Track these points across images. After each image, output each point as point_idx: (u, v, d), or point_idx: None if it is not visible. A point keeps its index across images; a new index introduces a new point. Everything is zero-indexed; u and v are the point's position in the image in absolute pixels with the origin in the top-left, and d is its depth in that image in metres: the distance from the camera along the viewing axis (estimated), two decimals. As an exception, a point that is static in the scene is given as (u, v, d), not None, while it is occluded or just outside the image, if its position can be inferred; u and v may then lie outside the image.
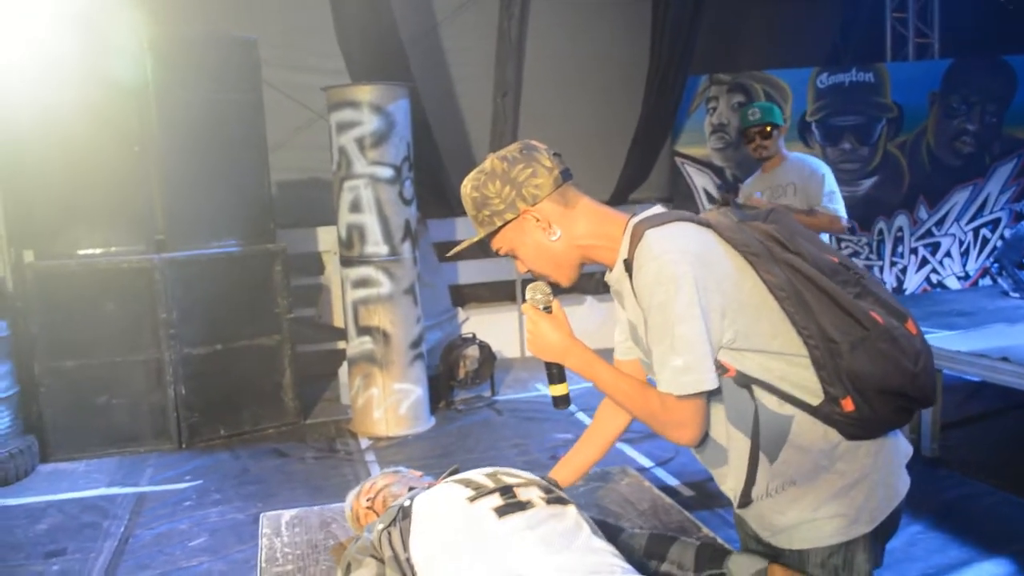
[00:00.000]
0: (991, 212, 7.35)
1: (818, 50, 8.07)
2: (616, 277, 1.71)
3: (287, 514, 2.48)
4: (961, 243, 7.32)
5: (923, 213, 7.28)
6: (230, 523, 4.23)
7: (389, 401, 5.37)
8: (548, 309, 1.76)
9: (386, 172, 5.14)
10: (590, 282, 8.09)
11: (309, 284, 6.91)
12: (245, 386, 5.48)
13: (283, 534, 2.33)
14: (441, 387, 6.00)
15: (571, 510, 1.70)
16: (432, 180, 7.15)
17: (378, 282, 5.24)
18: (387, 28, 6.73)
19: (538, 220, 1.69)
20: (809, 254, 1.59)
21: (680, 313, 1.53)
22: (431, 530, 1.72)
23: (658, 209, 1.68)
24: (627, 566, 1.59)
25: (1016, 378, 3.95)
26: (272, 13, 6.67)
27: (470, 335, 6.18)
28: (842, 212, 3.95)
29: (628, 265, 1.61)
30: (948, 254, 7.25)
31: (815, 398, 1.57)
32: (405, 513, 1.81)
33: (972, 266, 7.16)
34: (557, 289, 1.82)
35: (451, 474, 1.96)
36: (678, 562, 1.75)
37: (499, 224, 1.70)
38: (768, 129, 4.07)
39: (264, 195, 5.53)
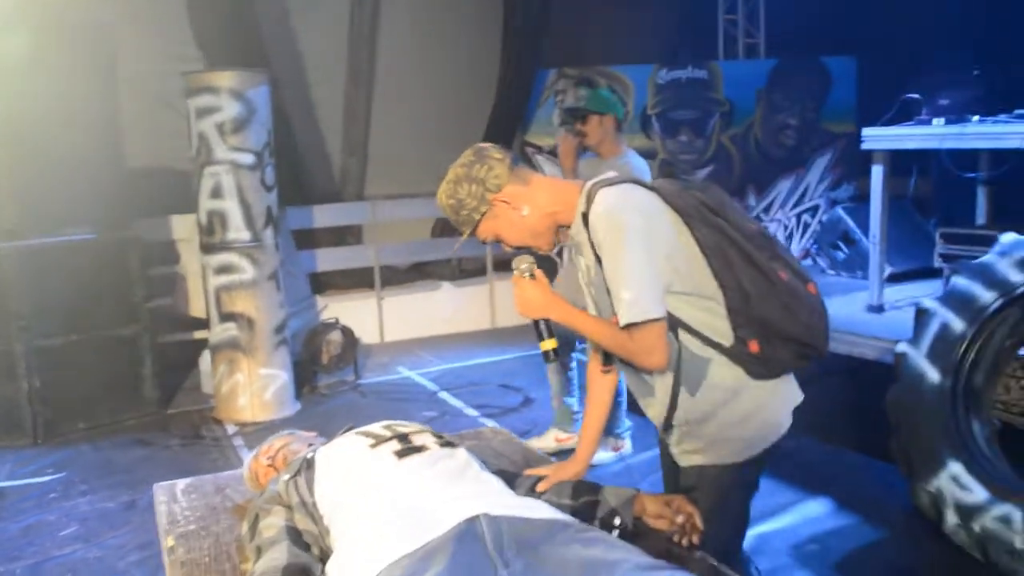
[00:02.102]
0: (811, 199, 8.06)
1: (657, 48, 8.57)
2: (576, 230, 2.00)
3: (180, 483, 2.57)
4: (786, 227, 8.00)
5: (752, 200, 7.91)
6: (100, 512, 4.20)
7: (255, 387, 5.40)
8: (532, 276, 2.00)
9: (247, 158, 5.16)
10: (446, 268, 8.33)
11: (165, 273, 6.79)
12: (104, 377, 5.35)
13: (180, 500, 2.43)
14: (305, 372, 6.06)
15: (461, 451, 1.92)
16: (289, 167, 7.15)
17: (241, 268, 5.26)
18: (243, 14, 6.69)
19: (507, 203, 1.97)
20: (734, 221, 1.94)
21: (628, 254, 1.84)
22: (336, 476, 1.90)
23: (611, 175, 2.01)
24: (512, 492, 1.83)
25: (833, 343, 4.47)
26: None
27: (333, 320, 6.27)
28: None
29: (585, 218, 1.91)
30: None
31: (727, 341, 1.91)
32: (309, 464, 1.98)
33: (796, 248, 7.84)
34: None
35: (346, 431, 2.14)
36: (556, 492, 1.99)
37: (477, 219, 2.01)
38: (585, 114, 4.04)
39: (119, 183, 5.43)
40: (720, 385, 1.97)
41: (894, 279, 5.21)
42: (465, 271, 8.25)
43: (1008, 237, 3.41)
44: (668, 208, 1.93)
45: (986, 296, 3.35)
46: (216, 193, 5.15)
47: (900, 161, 5.05)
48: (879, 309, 4.65)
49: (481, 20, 8.35)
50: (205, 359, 6.05)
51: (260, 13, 7.12)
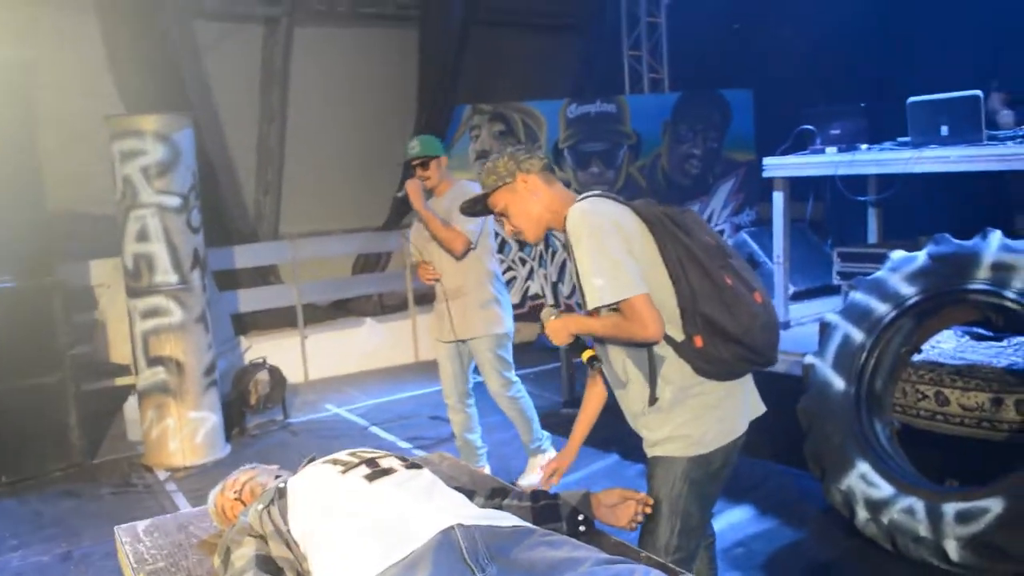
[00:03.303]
0: (716, 225, 8.47)
1: (566, 83, 8.91)
2: (564, 235, 2.32)
3: (140, 524, 2.61)
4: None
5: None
6: (35, 566, 4.14)
7: (185, 431, 5.39)
8: (558, 316, 2.36)
9: (173, 201, 5.20)
10: (368, 304, 8.42)
11: (83, 320, 6.68)
12: (27, 428, 5.24)
13: (143, 540, 2.48)
14: (234, 413, 6.05)
15: (426, 471, 2.08)
16: (209, 207, 7.15)
17: (169, 311, 5.26)
18: (161, 54, 6.71)
19: (526, 184, 2.38)
20: (693, 232, 2.22)
21: (593, 248, 2.15)
22: (309, 502, 2.02)
23: (593, 191, 2.36)
24: (474, 505, 1.99)
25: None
26: (44, 36, 6.39)
27: (260, 360, 6.29)
28: (469, 229, 4.13)
29: (564, 226, 2.26)
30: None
31: (679, 336, 2.18)
32: (281, 494, 2.09)
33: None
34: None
35: (309, 462, 2.26)
36: (518, 498, 2.16)
37: (500, 185, 2.40)
38: (425, 161, 4.25)
39: (40, 228, 5.36)
40: (674, 381, 2.23)
41: (796, 297, 5.57)
42: (387, 306, 8.35)
43: (898, 254, 3.77)
44: (635, 216, 2.25)
45: (881, 308, 3.69)
46: (142, 236, 5.16)
47: (797, 187, 5.45)
48: (785, 325, 4.98)
49: (397, 56, 8.53)
50: (131, 405, 5.99)
51: (173, 53, 7.13)
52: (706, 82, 8.48)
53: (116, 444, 5.97)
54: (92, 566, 4.08)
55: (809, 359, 3.88)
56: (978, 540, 3.13)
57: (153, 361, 5.31)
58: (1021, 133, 4.30)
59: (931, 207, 5.68)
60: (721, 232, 8.44)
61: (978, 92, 4.26)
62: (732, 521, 3.95)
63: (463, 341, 4.37)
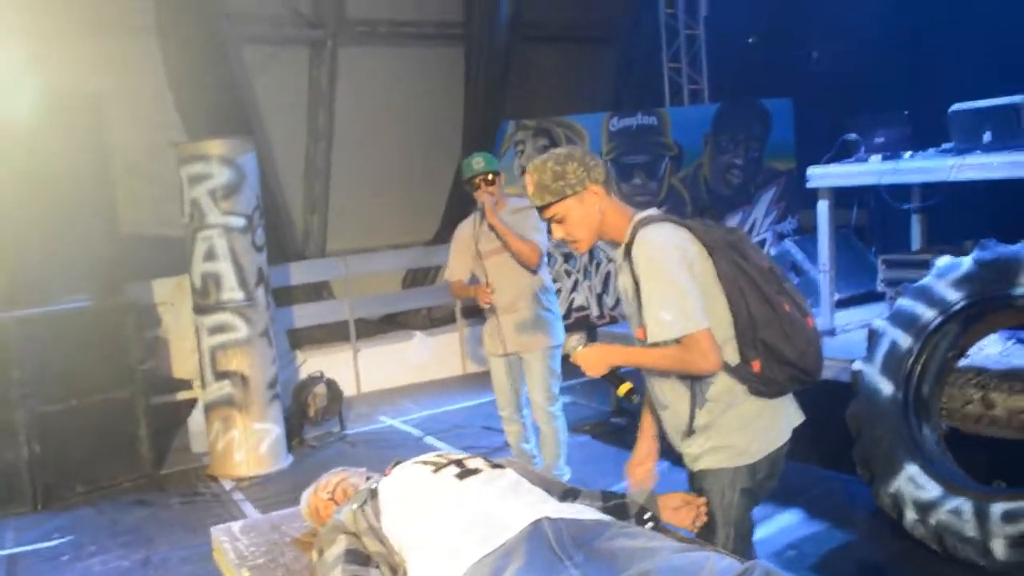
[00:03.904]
0: (758, 234, 8.56)
1: (607, 96, 9.08)
2: (618, 255, 2.38)
3: (235, 525, 2.82)
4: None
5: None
6: (116, 570, 4.38)
7: (250, 442, 5.62)
8: (585, 346, 2.38)
9: (239, 221, 5.46)
10: (417, 318, 8.63)
11: (146, 337, 6.95)
12: (100, 440, 5.52)
13: (240, 539, 2.68)
14: (293, 425, 6.28)
15: (510, 471, 2.25)
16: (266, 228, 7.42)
17: (235, 327, 5.51)
18: (219, 81, 6.99)
19: (595, 194, 2.34)
20: (750, 257, 2.29)
21: (663, 281, 2.20)
22: (403, 500, 2.20)
23: (652, 211, 2.38)
24: (556, 500, 2.16)
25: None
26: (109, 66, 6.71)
27: (318, 373, 6.52)
28: (541, 241, 4.26)
29: (628, 249, 2.28)
30: (729, 271, 8.41)
31: (733, 361, 2.27)
32: (374, 494, 2.28)
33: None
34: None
35: (396, 465, 2.44)
36: (589, 498, 2.32)
37: (569, 194, 2.31)
38: (491, 177, 4.28)
39: (113, 249, 5.66)
40: (722, 399, 2.33)
41: (841, 304, 5.65)
42: (435, 320, 8.55)
43: (943, 260, 3.87)
44: (695, 240, 2.28)
45: (928, 314, 3.79)
46: (210, 256, 5.42)
47: (841, 195, 5.55)
48: (831, 333, 5.08)
49: (438, 76, 8.76)
50: (194, 419, 6.25)
51: (228, 77, 7.40)
52: (745, 92, 8.59)
53: (181, 456, 6.22)
54: (171, 571, 4.31)
55: (858, 365, 3.99)
56: (1026, 539, 3.22)
57: (220, 375, 5.55)
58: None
59: (975, 214, 5.73)
60: (764, 241, 8.53)
61: (1020, 98, 4.34)
62: (783, 525, 4.07)
63: (515, 354, 4.47)
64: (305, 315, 7.77)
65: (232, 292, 5.46)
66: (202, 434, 6.02)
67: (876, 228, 6.65)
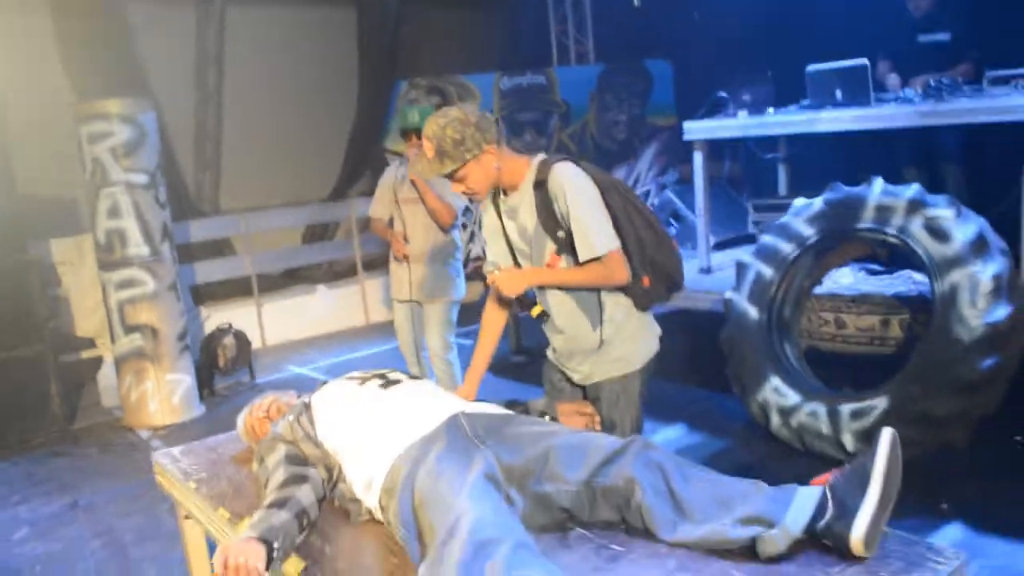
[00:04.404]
0: (643, 185, 9.10)
1: (497, 56, 9.37)
2: (519, 197, 2.67)
3: (175, 449, 3.06)
4: (624, 211, 9.00)
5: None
6: (45, 515, 4.52)
7: (163, 392, 5.79)
8: (499, 269, 2.70)
9: (141, 178, 5.55)
10: (319, 272, 8.82)
11: (48, 296, 6.95)
12: (9, 399, 5.56)
13: (181, 460, 2.93)
14: (204, 376, 6.45)
15: (427, 381, 2.60)
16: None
17: (143, 282, 5.63)
18: (111, 42, 6.96)
19: (492, 155, 2.56)
20: (629, 193, 2.68)
21: (589, 207, 2.54)
22: (334, 409, 2.51)
23: (543, 155, 2.69)
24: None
25: (675, 300, 5.42)
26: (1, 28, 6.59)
27: (226, 325, 6.68)
28: (457, 204, 4.50)
29: (541, 184, 2.58)
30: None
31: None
32: (307, 407, 2.58)
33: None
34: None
35: (323, 384, 2.75)
36: (494, 405, 2.68)
37: (468, 158, 2.53)
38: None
39: (11, 209, 5.65)
40: (616, 316, 2.74)
41: (718, 247, 6.20)
42: (337, 273, 8.77)
43: (799, 201, 4.40)
44: (590, 178, 2.63)
45: (787, 248, 4.32)
46: (114, 212, 5.51)
47: (714, 148, 6.05)
48: (708, 271, 5.62)
49: (332, 36, 8.87)
50: (104, 374, 6.34)
51: (110, 37, 7.33)
52: (629, 53, 9.04)
53: (92, 411, 6.30)
54: (100, 512, 4.49)
55: (728, 294, 4.50)
56: (868, 432, 3.79)
57: (130, 329, 5.67)
58: (902, 95, 4.96)
59: (832, 162, 6.34)
60: (648, 192, 9.07)
61: (865, 61, 4.89)
62: (668, 438, 4.58)
63: (418, 302, 4.75)
64: (207, 271, 7.87)
65: (138, 248, 5.57)
66: (113, 389, 6.14)
67: (748, 177, 7.24)
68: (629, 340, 2.78)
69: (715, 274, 5.58)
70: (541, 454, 2.16)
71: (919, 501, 3.64)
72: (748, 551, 1.93)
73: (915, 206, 3.92)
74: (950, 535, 3.42)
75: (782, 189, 6.26)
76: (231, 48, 8.50)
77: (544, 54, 9.22)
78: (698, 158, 5.56)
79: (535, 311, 2.79)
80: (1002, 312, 3.62)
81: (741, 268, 4.49)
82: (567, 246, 2.64)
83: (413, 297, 4.71)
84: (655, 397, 5.04)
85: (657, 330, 2.89)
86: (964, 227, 3.79)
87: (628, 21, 8.72)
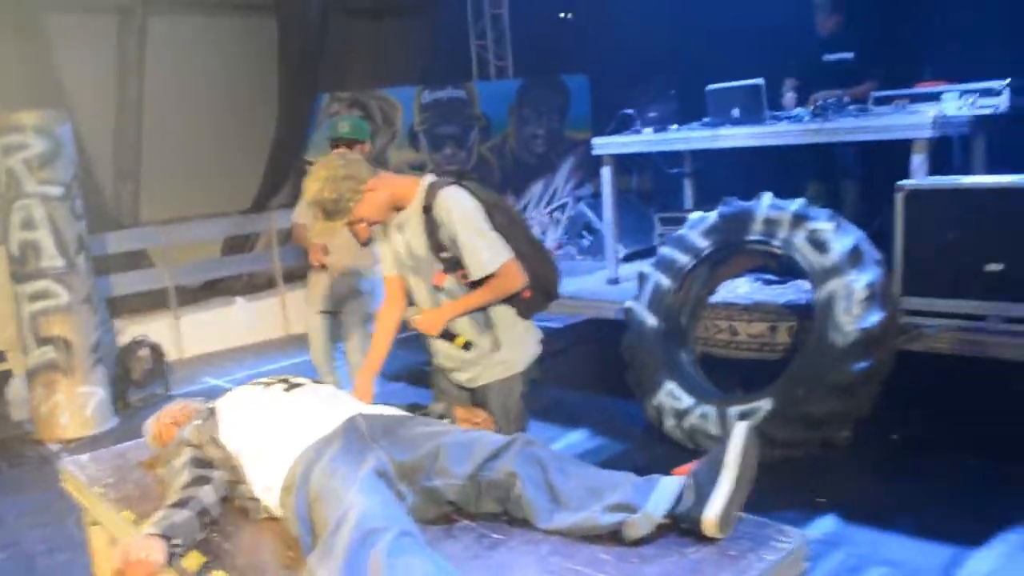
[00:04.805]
0: (560, 199, 9.35)
1: (417, 70, 9.53)
2: (407, 216, 2.83)
3: (82, 457, 3.13)
4: (541, 224, 9.24)
5: (512, 202, 9.07)
6: (-53, 528, 4.49)
7: (75, 405, 5.75)
8: (420, 314, 2.93)
9: (56, 190, 5.54)
10: (238, 284, 8.82)
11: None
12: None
13: (89, 466, 3.00)
14: (118, 388, 6.43)
15: (330, 385, 2.73)
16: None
17: (56, 294, 5.60)
18: (30, 52, 6.90)
19: (373, 190, 2.73)
20: (514, 212, 2.91)
21: (476, 228, 2.73)
22: (238, 413, 2.63)
23: (432, 177, 2.87)
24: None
25: (583, 311, 5.67)
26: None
27: (141, 337, 6.67)
28: None
29: (428, 208, 2.75)
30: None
31: None
32: (212, 412, 2.70)
33: (549, 240, 9.07)
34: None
35: (229, 391, 2.86)
36: (396, 408, 2.84)
37: (352, 207, 2.71)
38: (351, 144, 4.34)
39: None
40: (500, 324, 2.94)
41: (628, 258, 6.45)
42: (256, 285, 8.78)
43: (695, 214, 4.66)
44: (474, 199, 2.83)
45: (683, 259, 4.57)
46: (28, 224, 5.48)
47: (625, 162, 6.30)
48: (616, 281, 5.84)
49: (254, 47, 8.89)
50: (13, 387, 6.26)
51: (28, 48, 7.28)
52: (547, 68, 9.29)
53: (1, 425, 6.21)
54: (8, 524, 4.48)
55: (629, 304, 4.73)
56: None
57: (42, 341, 5.64)
58: (794, 114, 5.27)
59: (740, 177, 6.64)
60: (565, 205, 9.32)
61: (760, 80, 5.18)
62: (571, 442, 4.78)
63: (335, 314, 4.83)
64: (124, 283, 7.81)
65: (52, 260, 5.55)
66: (23, 402, 6.07)
67: (658, 191, 7.53)
68: (513, 345, 2.97)
69: (622, 284, 5.80)
70: (431, 452, 2.32)
71: (799, 495, 3.92)
72: (616, 536, 2.12)
73: (799, 220, 4.20)
74: (824, 526, 3.69)
75: (688, 203, 6.54)
76: (152, 58, 8.47)
77: (464, 68, 9.41)
78: (606, 172, 5.80)
79: (459, 342, 2.95)
80: (875, 318, 3.91)
81: (642, 278, 4.72)
82: (452, 266, 2.83)
83: (330, 307, 4.80)
84: (562, 403, 5.34)
85: (538, 334, 3.10)
86: (842, 239, 4.07)
87: (546, 36, 8.98)
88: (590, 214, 7.07)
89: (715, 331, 4.76)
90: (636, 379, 4.62)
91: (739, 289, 5.10)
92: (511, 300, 2.90)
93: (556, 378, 5.91)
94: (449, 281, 2.86)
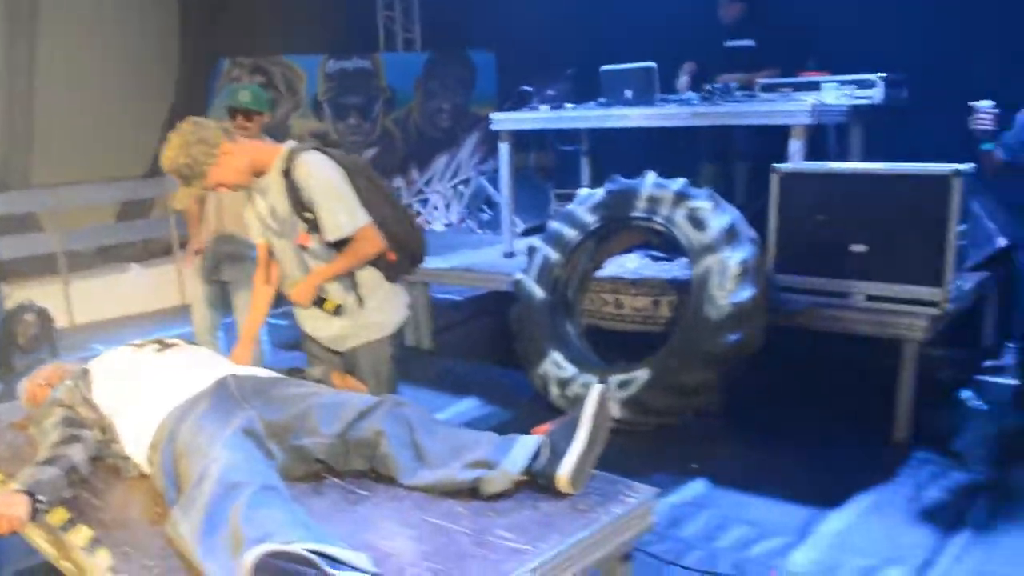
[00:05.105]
0: (464, 173, 9.40)
1: (325, 39, 9.41)
2: (270, 180, 2.86)
3: (-47, 419, 3.09)
4: (445, 197, 9.29)
5: (415, 175, 9.09)
6: None
7: (-46, 370, 5.60)
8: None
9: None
10: (133, 250, 8.62)
11: None
12: None
13: (-43, 429, 2.97)
14: (2, 354, 6.25)
15: (205, 348, 2.77)
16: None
17: (-67, 255, 5.43)
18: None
19: (229, 154, 2.75)
20: (375, 178, 2.95)
21: (335, 192, 2.78)
22: (110, 374, 2.65)
23: (294, 143, 2.90)
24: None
25: (479, 283, 5.77)
26: None
27: (28, 302, 6.49)
28: None
29: (288, 171, 2.79)
30: (435, 207, 9.18)
31: None
32: (85, 372, 2.71)
33: (453, 214, 9.14)
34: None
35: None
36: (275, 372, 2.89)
37: (207, 170, 2.74)
38: (250, 113, 4.26)
39: None
40: (366, 285, 3.01)
41: (527, 233, 6.57)
42: (152, 252, 8.60)
43: (584, 191, 4.81)
44: (337, 165, 2.90)
45: (571, 234, 4.71)
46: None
47: (524, 139, 6.40)
48: (512, 255, 5.95)
49: (152, 10, 8.65)
50: None
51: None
52: (455, 43, 9.31)
53: None
54: None
55: (518, 276, 4.85)
56: (632, 400, 4.22)
57: (-83, 305, 5.45)
58: (684, 97, 5.45)
59: (638, 156, 6.81)
60: (469, 179, 9.38)
61: (652, 64, 5.34)
62: (460, 410, 4.90)
63: (222, 283, 4.78)
64: (12, 247, 7.56)
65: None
66: (-102, 367, 5.87)
67: (558, 168, 7.66)
68: (381, 308, 3.07)
69: (518, 258, 5.91)
70: (301, 412, 2.39)
71: (673, 461, 4.12)
72: (476, 491, 2.24)
73: (680, 198, 4.37)
74: (695, 489, 3.89)
75: (585, 180, 6.69)
76: (46, 18, 8.15)
77: (371, 39, 9.34)
78: (503, 148, 5.89)
79: (329, 306, 3.02)
80: (747, 293, 4.11)
81: (531, 251, 4.85)
82: (315, 226, 2.89)
83: (215, 276, 4.74)
84: (454, 373, 5.44)
85: (406, 299, 3.20)
86: (719, 218, 4.26)
87: (455, 11, 8.98)
88: (490, 189, 7.16)
89: (602, 304, 4.91)
90: (523, 349, 4.75)
91: (628, 264, 5.26)
92: (377, 264, 2.99)
93: (451, 349, 6.04)
94: (314, 241, 2.92)
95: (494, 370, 5.47)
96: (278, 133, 7.64)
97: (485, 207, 7.18)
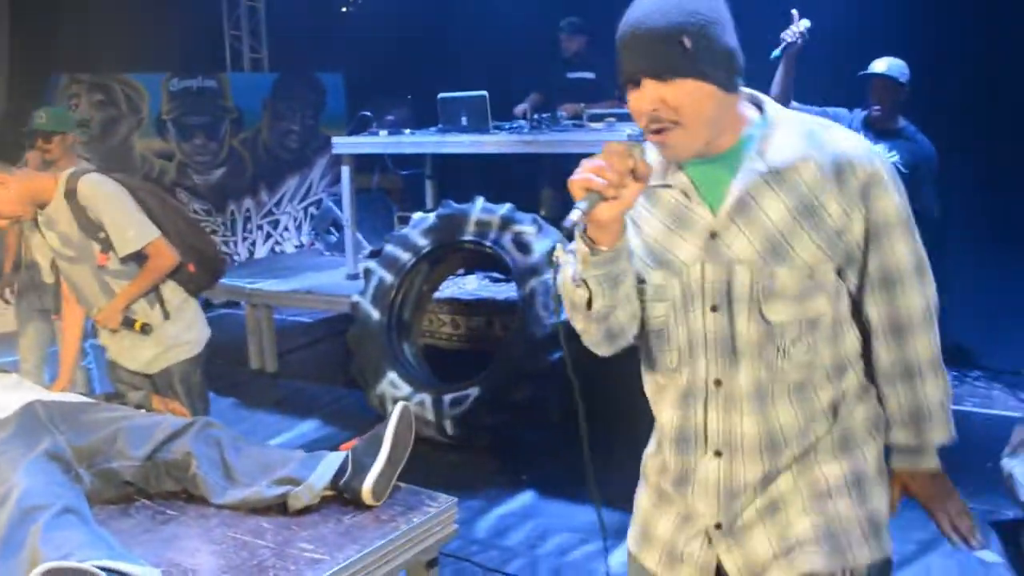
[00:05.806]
0: (315, 194, 9.41)
1: (169, 57, 9.23)
2: (53, 208, 2.91)
3: None
4: (295, 219, 9.26)
5: (265, 196, 9.03)
6: None
7: None
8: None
9: None
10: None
11: None
12: None
13: None
14: None
15: (15, 375, 2.76)
16: None
17: None
18: None
19: (1, 185, 2.80)
20: (167, 198, 3.08)
21: (119, 210, 2.86)
22: None
23: (73, 167, 3.02)
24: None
25: (320, 305, 5.84)
26: None
27: None
28: None
29: (71, 194, 2.86)
30: (286, 228, 9.15)
31: None
32: None
33: (304, 236, 9.12)
34: None
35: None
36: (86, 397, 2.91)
37: None
38: (48, 135, 4.09)
39: None
40: (173, 302, 3.10)
41: (373, 255, 6.65)
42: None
43: (417, 214, 4.97)
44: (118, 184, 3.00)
45: (405, 256, 4.87)
46: None
47: (368, 162, 6.51)
48: (356, 277, 6.03)
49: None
50: None
51: None
52: (303, 64, 9.32)
53: None
54: None
55: (355, 298, 4.96)
56: (464, 418, 4.40)
57: None
58: (515, 126, 5.67)
59: (481, 181, 7.02)
60: (320, 200, 9.39)
61: (484, 92, 5.54)
62: (301, 431, 4.97)
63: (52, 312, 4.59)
64: None
65: None
66: None
67: (406, 191, 7.79)
68: (191, 327, 3.15)
69: (360, 280, 6.02)
70: (110, 435, 2.43)
71: (504, 474, 4.31)
72: (283, 507, 2.34)
73: (506, 222, 4.60)
74: (523, 500, 4.10)
75: (429, 203, 6.85)
76: None
77: (217, 59, 9.24)
78: (345, 171, 5.99)
79: (137, 326, 3.06)
80: (569, 313, 4.36)
81: (368, 274, 4.97)
82: (110, 245, 2.97)
83: (40, 306, 4.60)
84: (297, 395, 5.49)
85: (205, 322, 3.30)
86: (543, 241, 4.51)
87: (304, 32, 8.99)
88: (336, 210, 7.21)
89: (440, 324, 5.09)
90: (360, 369, 4.86)
91: (467, 285, 5.47)
92: (179, 278, 3.08)
93: (295, 371, 6.07)
94: (112, 260, 3.00)
95: (338, 391, 5.55)
96: (121, 152, 7.55)
97: (332, 229, 7.24)
